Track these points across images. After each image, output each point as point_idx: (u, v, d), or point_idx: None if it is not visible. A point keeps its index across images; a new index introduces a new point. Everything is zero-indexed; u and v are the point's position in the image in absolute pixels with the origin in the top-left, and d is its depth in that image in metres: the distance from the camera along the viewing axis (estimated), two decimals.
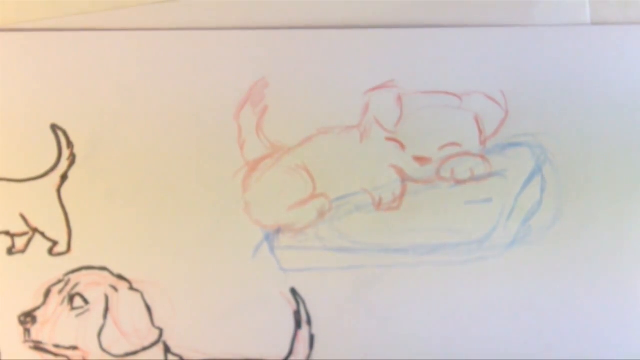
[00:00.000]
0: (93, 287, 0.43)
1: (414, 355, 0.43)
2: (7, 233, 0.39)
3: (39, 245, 0.41)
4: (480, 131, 0.40)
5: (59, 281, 0.42)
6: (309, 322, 0.43)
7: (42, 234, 0.41)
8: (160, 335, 0.43)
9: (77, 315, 0.43)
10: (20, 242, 0.41)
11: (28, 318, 0.42)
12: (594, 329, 0.42)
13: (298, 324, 0.43)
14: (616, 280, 0.42)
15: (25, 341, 0.42)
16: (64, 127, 0.39)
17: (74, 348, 0.43)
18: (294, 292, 0.43)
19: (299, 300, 0.43)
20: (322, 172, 0.40)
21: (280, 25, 0.37)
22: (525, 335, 0.43)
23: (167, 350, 0.43)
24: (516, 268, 0.42)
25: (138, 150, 0.39)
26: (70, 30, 0.37)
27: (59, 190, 0.40)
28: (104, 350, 0.43)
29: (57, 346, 0.42)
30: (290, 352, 0.43)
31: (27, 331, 0.42)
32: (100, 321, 0.43)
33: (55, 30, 0.37)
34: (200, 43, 0.37)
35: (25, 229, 0.41)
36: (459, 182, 0.41)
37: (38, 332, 0.42)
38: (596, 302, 0.42)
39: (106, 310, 0.43)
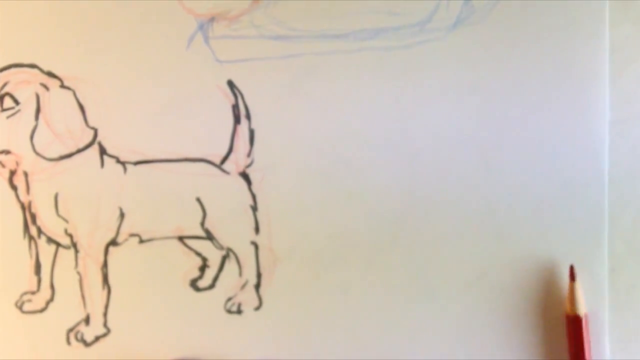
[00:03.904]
0: (23, 85, 0.41)
1: (358, 143, 0.41)
2: None
3: None
4: None
5: None
6: (248, 116, 0.41)
7: None
8: (95, 135, 0.41)
9: (8, 117, 0.41)
10: None
11: None
12: (541, 114, 0.41)
13: (237, 119, 0.41)
14: (563, 58, 0.41)
15: None
16: None
17: (7, 152, 0.42)
18: (231, 84, 0.41)
19: (237, 93, 0.41)
20: None
21: None
22: (472, 119, 0.41)
23: (102, 151, 0.42)
24: (460, 50, 0.41)
25: None
26: None
27: None
28: (37, 153, 0.41)
29: None
30: (231, 149, 0.41)
31: None
32: (32, 122, 0.41)
33: None
34: None
35: None
36: None
37: None
38: (543, 80, 0.41)
39: (38, 110, 0.41)
